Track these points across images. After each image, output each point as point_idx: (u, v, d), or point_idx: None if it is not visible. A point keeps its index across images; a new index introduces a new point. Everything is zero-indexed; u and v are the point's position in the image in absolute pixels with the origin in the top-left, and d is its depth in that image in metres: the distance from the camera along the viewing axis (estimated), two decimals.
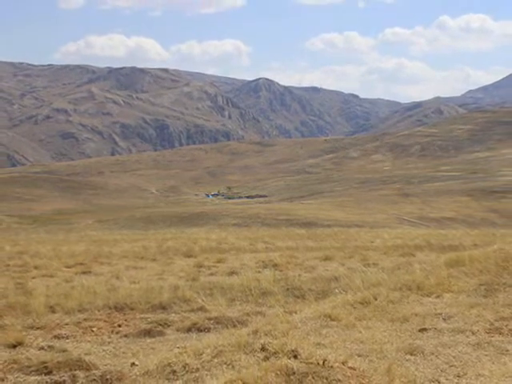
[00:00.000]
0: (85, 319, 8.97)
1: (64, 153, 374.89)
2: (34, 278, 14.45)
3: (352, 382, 5.47)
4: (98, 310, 9.47)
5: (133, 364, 6.59)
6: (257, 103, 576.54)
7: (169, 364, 6.15)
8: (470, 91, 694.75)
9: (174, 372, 6.00)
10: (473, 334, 7.23)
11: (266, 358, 6.02)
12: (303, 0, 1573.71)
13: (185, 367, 6.05)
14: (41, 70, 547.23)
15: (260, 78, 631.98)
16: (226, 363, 6.05)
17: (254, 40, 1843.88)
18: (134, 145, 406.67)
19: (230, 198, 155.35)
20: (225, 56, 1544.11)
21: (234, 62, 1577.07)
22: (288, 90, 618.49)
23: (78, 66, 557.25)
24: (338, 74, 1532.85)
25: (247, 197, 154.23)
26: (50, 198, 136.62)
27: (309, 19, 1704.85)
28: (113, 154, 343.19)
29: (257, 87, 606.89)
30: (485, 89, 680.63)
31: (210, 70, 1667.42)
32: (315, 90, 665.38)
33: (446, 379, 5.84)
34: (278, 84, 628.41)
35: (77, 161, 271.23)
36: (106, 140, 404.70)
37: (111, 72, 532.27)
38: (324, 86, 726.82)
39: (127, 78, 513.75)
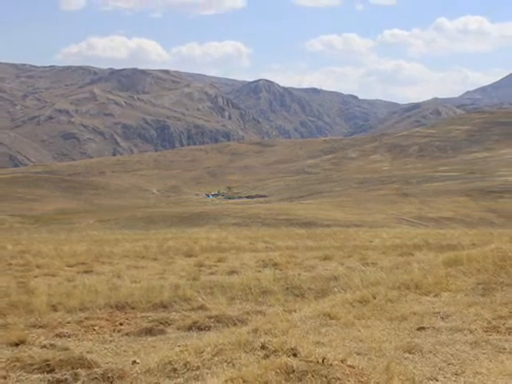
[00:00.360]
0: (86, 318, 9.03)
1: (66, 153, 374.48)
2: (36, 277, 14.51)
3: (351, 380, 5.51)
4: (100, 309, 9.53)
5: (134, 362, 6.63)
6: (257, 104, 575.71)
7: (170, 362, 6.19)
8: (468, 92, 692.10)
9: (175, 370, 6.05)
10: (471, 332, 7.27)
11: (266, 357, 6.06)
12: (302, 2, 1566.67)
13: (185, 365, 6.09)
14: (43, 71, 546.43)
15: (260, 79, 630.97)
16: (226, 361, 6.10)
17: (254, 41, 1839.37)
18: (135, 145, 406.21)
19: (230, 198, 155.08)
20: (225, 57, 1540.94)
21: (235, 64, 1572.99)
22: (288, 91, 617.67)
23: (80, 68, 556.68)
24: (337, 75, 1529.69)
25: (247, 197, 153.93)
26: (51, 198, 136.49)
27: (308, 21, 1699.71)
28: (114, 155, 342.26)
29: (257, 88, 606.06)
30: (483, 90, 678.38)
31: (211, 72, 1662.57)
32: (315, 91, 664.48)
33: (444, 377, 5.87)
34: (277, 85, 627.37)
35: (78, 161, 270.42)
36: (108, 140, 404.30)
37: (113, 73, 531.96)
38: (323, 87, 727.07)
39: (129, 80, 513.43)
